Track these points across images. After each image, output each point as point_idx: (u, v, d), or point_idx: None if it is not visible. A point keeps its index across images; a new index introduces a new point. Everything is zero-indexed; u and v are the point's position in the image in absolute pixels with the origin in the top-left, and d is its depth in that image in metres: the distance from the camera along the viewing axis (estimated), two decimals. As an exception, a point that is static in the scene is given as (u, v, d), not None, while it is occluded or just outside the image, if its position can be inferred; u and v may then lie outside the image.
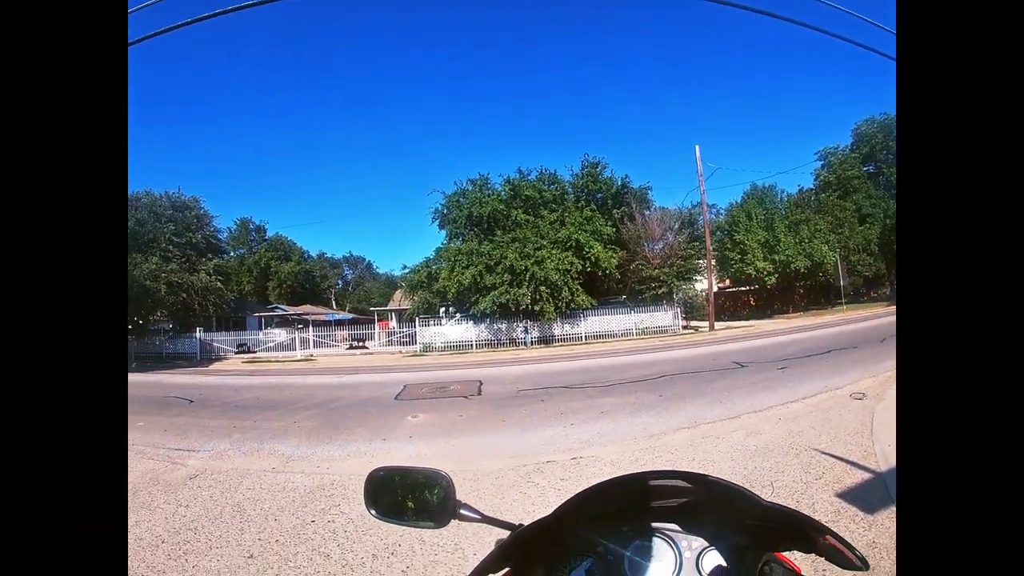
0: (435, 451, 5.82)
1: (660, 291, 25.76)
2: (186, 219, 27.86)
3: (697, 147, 27.80)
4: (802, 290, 36.39)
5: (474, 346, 23.89)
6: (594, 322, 25.35)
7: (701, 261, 27.71)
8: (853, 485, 3.83)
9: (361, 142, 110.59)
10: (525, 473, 4.72)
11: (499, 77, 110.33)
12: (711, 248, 28.35)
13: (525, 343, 23.94)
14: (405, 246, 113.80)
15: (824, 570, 1.01)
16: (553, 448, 5.64)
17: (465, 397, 9.81)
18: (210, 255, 28.91)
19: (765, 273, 31.05)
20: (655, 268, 25.82)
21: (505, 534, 1.06)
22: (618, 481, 1.01)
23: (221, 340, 27.50)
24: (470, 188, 27.36)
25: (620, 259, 25.60)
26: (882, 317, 20.84)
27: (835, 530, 0.85)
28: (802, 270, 31.64)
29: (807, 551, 0.89)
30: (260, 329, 32.98)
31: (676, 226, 28.20)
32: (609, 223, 26.37)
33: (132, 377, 17.99)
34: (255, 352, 26.50)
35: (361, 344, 26.89)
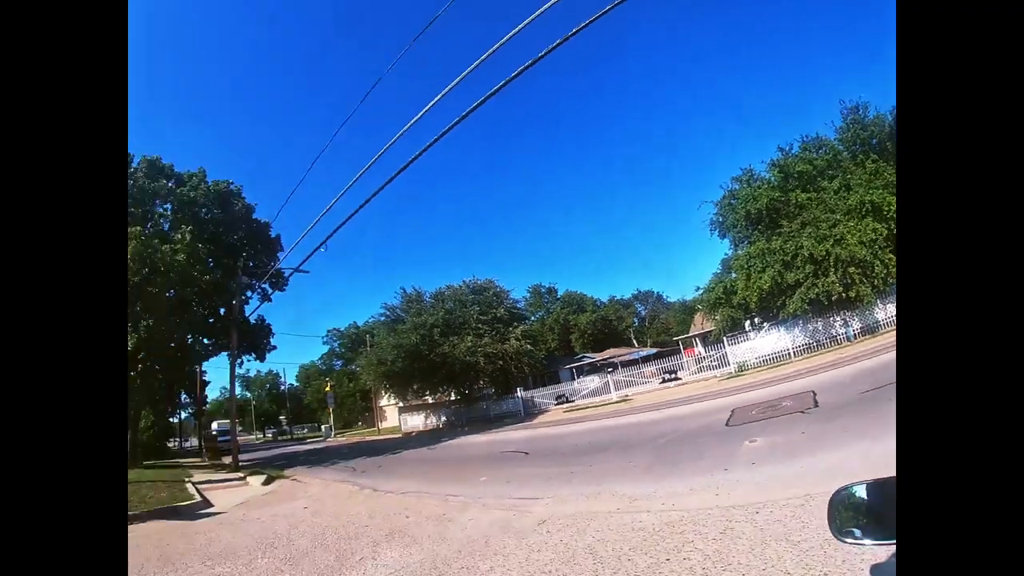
0: (785, 475, 5.32)
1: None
2: (487, 299, 32.25)
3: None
4: None
5: (791, 354, 21.36)
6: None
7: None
8: None
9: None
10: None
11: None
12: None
13: (848, 338, 20.45)
14: (681, 268, 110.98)
15: None
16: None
17: (801, 412, 8.83)
18: (515, 323, 32.53)
19: None
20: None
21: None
22: None
23: (540, 395, 30.52)
24: (737, 187, 25.43)
25: None
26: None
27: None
28: None
29: None
30: (573, 379, 35.49)
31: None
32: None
33: (470, 438, 21.00)
34: (573, 401, 28.47)
35: (673, 375, 26.57)
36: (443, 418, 34.97)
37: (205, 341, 22.95)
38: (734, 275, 23.86)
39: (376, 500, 8.58)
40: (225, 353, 22.48)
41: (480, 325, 30.44)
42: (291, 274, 23.61)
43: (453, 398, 34.58)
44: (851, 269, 19.32)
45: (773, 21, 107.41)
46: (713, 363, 25.14)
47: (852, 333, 20.53)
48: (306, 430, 70.73)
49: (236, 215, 23.15)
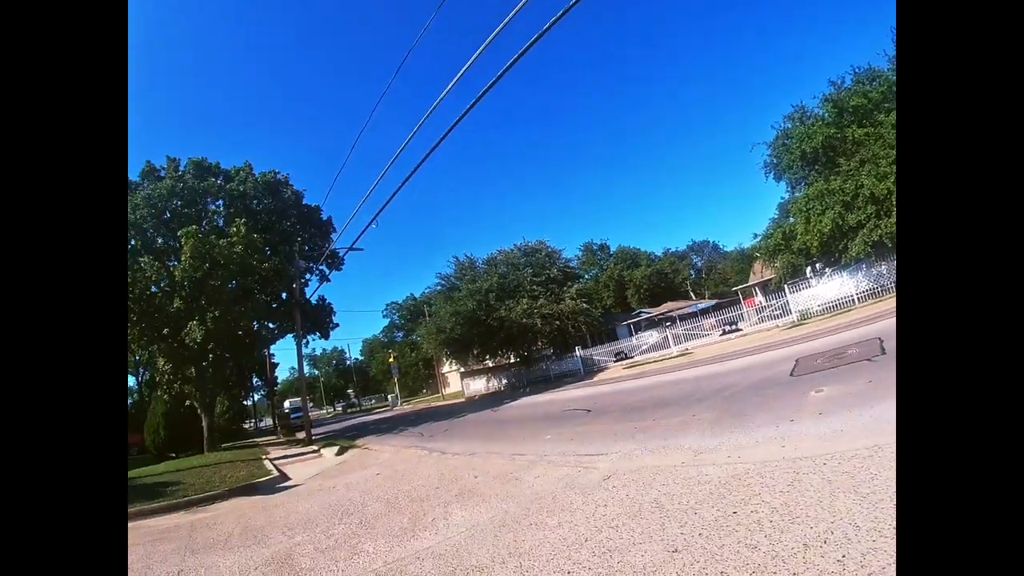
0: (853, 426, 5.17)
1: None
2: (539, 260, 32.23)
3: None
4: None
5: (855, 300, 20.46)
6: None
7: None
8: None
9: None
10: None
11: None
12: None
13: (914, 281, 19.18)
14: (735, 216, 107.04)
15: None
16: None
17: (868, 360, 8.49)
18: (569, 283, 32.44)
19: None
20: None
21: None
22: None
23: (599, 353, 30.58)
24: (789, 126, 24.05)
25: None
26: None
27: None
28: None
29: None
30: (631, 335, 35.36)
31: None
32: None
33: (532, 398, 21.27)
34: (632, 357, 28.41)
35: (734, 327, 26.04)
36: (504, 381, 35.66)
37: (270, 325, 24.12)
38: (792, 219, 22.87)
39: (445, 462, 8.91)
40: (291, 335, 23.61)
41: (534, 287, 30.59)
42: (345, 253, 24.31)
43: (513, 361, 35.15)
44: (915, 206, 17.98)
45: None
46: (774, 312, 24.43)
47: (919, 275, 19.20)
48: (373, 401, 73.78)
49: (286, 203, 23.96)
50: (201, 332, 17.87)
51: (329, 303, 26.10)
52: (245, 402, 45.51)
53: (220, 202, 22.10)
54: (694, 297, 62.67)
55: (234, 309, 19.00)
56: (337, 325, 26.37)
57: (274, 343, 28.72)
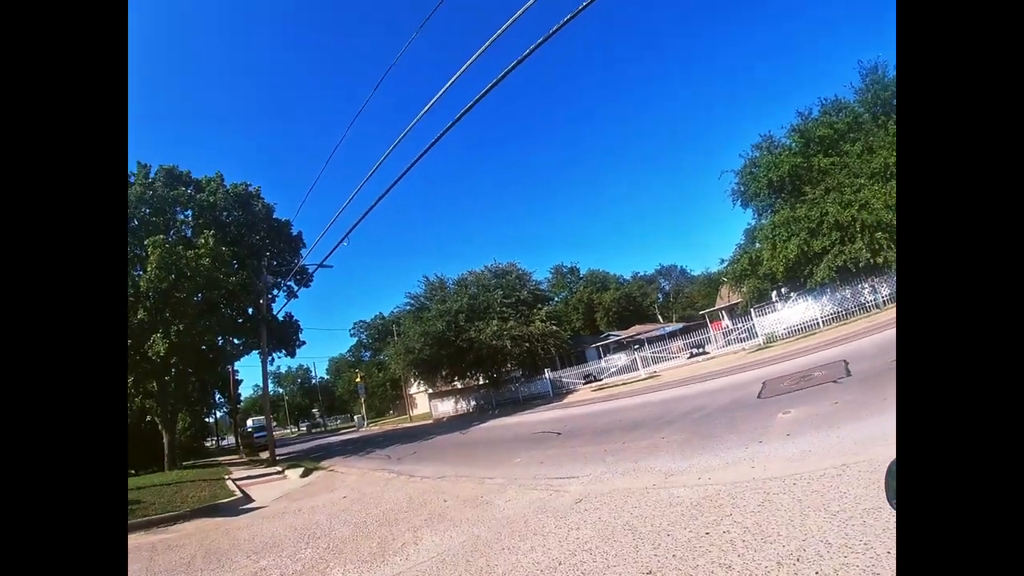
0: (821, 446, 5.28)
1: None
2: (510, 282, 32.31)
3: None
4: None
5: (820, 324, 21.01)
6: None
7: None
8: None
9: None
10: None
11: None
12: None
13: (877, 305, 20.05)
14: (701, 241, 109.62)
15: None
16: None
17: (833, 381, 8.71)
18: (539, 305, 32.53)
19: None
20: None
21: None
22: None
23: (568, 375, 30.65)
24: (757, 155, 24.91)
25: None
26: None
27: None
28: None
29: None
30: (600, 358, 35.54)
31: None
32: None
33: (501, 421, 21.14)
34: (601, 379, 28.54)
35: (701, 350, 26.41)
36: (473, 402, 35.35)
37: (236, 341, 23.45)
38: (759, 245, 23.48)
39: (413, 486, 8.75)
40: (256, 351, 22.99)
41: (505, 308, 30.55)
42: (315, 270, 23.98)
43: (482, 382, 34.90)
44: (878, 234, 18.89)
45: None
46: (741, 336, 24.90)
47: (881, 299, 20.11)
48: (339, 421, 72.23)
49: (257, 216, 23.54)
50: (164, 346, 17.27)
51: (296, 320, 25.56)
52: (207, 419, 43.95)
53: (189, 212, 21.48)
54: (662, 320, 63.53)
55: (199, 323, 18.46)
56: (304, 343, 25.82)
57: (239, 359, 27.92)
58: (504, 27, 8.35)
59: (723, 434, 7.21)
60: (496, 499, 6.35)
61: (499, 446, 12.77)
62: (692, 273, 76.87)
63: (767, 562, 3.00)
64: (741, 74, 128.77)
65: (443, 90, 9.60)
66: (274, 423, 35.15)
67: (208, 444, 45.68)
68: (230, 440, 49.89)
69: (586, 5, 7.40)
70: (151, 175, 20.77)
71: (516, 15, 8.18)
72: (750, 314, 23.36)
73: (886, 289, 20.14)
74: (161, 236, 17.89)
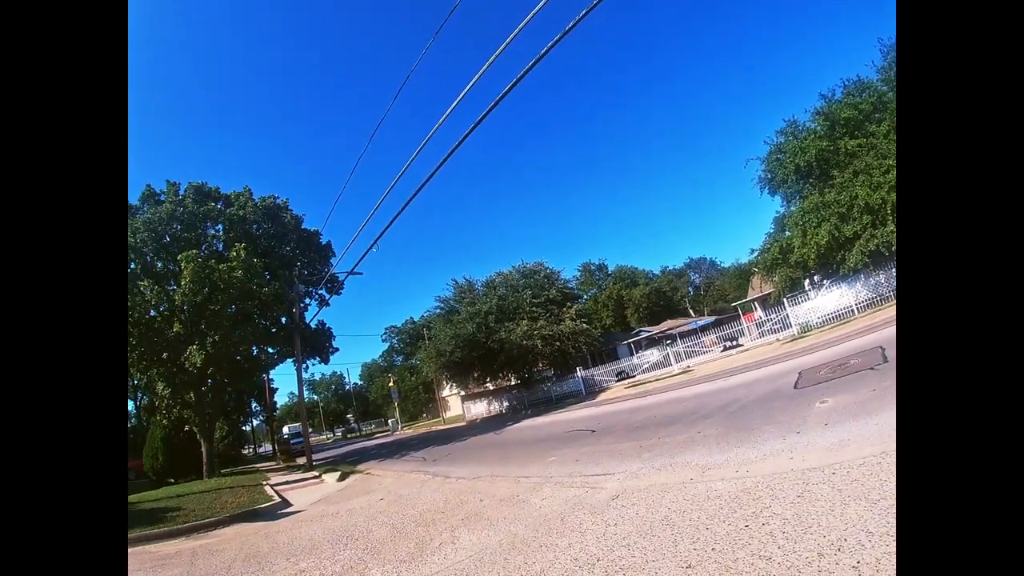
0: (859, 434, 5.16)
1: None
2: (538, 282, 32.23)
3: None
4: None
5: (855, 311, 20.43)
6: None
7: None
8: None
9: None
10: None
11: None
12: None
13: (913, 288, 19.21)
14: (731, 232, 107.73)
15: None
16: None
17: (871, 369, 8.50)
18: (568, 303, 32.44)
19: None
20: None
21: None
22: None
23: (600, 373, 30.45)
24: (782, 140, 24.35)
25: None
26: None
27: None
28: None
29: None
30: (632, 354, 35.23)
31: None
32: None
33: (534, 420, 21.09)
34: (634, 376, 28.28)
35: (734, 342, 26.01)
36: (505, 403, 35.40)
37: (270, 350, 24.04)
38: (789, 233, 22.96)
39: (449, 487, 8.82)
40: (290, 359, 23.52)
41: (534, 308, 30.54)
42: (345, 277, 24.34)
43: (514, 383, 34.95)
44: (909, 215, 18.09)
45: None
46: (775, 326, 24.40)
47: (916, 283, 19.23)
48: (373, 426, 73.14)
49: (286, 227, 24.08)
50: (201, 357, 17.80)
51: (329, 328, 26.08)
52: (244, 427, 45.17)
53: (220, 227, 22.20)
54: (693, 314, 62.64)
55: (234, 334, 18.96)
56: (337, 350, 26.31)
57: (273, 368, 28.63)
58: (524, 22, 8.38)
59: (760, 426, 7.09)
60: (532, 497, 6.36)
61: (533, 445, 12.77)
62: (722, 265, 75.63)
63: (808, 553, 2.94)
64: (775, 54, 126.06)
65: (466, 90, 9.70)
66: (310, 429, 35.81)
67: (245, 452, 46.81)
68: (267, 447, 50.97)
69: None
70: (181, 192, 21.47)
71: (535, 9, 8.21)
72: (783, 304, 22.87)
73: (921, 272, 19.35)
74: (194, 251, 18.49)
